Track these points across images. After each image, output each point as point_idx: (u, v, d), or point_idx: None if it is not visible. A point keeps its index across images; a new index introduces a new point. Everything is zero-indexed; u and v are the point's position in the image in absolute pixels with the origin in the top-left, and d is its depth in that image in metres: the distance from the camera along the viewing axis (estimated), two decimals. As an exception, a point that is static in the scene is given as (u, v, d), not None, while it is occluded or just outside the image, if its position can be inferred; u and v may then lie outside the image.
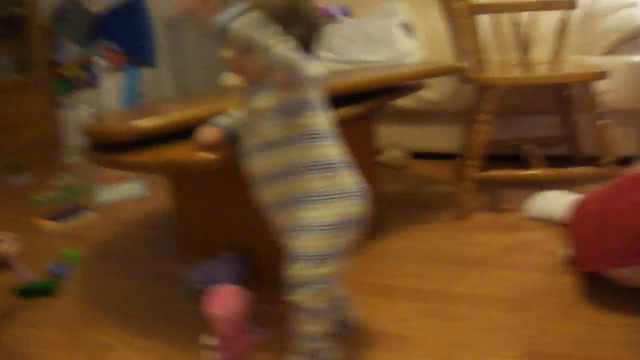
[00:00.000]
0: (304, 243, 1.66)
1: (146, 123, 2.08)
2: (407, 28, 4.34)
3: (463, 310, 2.11)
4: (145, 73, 6.01)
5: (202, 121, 1.97)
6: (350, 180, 1.73)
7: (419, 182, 3.66)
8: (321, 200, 1.66)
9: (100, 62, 5.76)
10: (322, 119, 1.71)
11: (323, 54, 4.30)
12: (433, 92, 3.73)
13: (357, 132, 2.61)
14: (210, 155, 1.87)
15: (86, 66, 5.81)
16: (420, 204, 3.22)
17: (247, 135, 1.77)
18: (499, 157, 3.42)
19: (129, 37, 5.91)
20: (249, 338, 2.01)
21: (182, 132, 2.05)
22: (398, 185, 3.61)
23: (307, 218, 1.67)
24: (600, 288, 2.12)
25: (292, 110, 1.65)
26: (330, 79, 2.94)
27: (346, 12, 4.72)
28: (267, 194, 1.75)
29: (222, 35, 1.53)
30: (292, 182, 1.68)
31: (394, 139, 4.01)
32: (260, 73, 1.66)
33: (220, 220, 2.47)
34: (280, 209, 1.74)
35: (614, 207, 2.04)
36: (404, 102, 3.82)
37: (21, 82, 5.70)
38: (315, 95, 1.69)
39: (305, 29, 1.65)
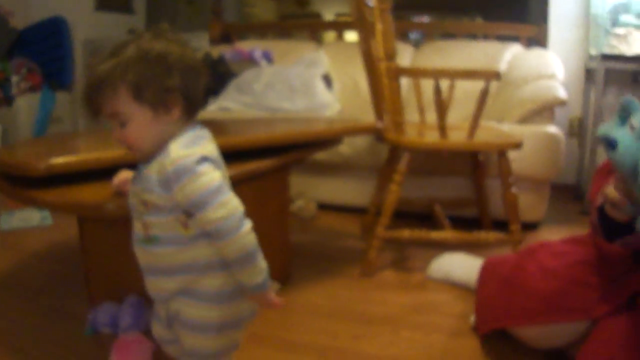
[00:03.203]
0: (191, 341, 1.51)
1: (63, 160, 2.03)
2: (328, 79, 4.38)
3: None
4: (60, 95, 5.94)
5: (118, 164, 1.92)
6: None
7: (327, 234, 3.67)
8: (213, 299, 1.48)
9: (17, 79, 5.66)
10: (221, 210, 1.40)
11: (242, 98, 4.32)
12: (347, 147, 3.75)
13: (272, 183, 2.64)
14: (121, 201, 1.77)
15: (1, 82, 5.69)
16: (328, 257, 3.23)
17: (132, 218, 1.54)
18: (407, 215, 3.48)
19: (48, 57, 5.84)
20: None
21: (96, 172, 2.03)
22: (306, 236, 3.61)
23: (197, 317, 1.48)
24: (503, 351, 2.17)
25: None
26: (251, 128, 2.96)
27: (269, 58, 4.75)
28: (150, 283, 1.55)
29: None
30: (183, 279, 1.47)
31: (304, 189, 4.02)
32: (146, 145, 1.44)
33: (127, 262, 2.42)
34: (165, 301, 1.53)
35: (523, 269, 2.11)
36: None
37: None
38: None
39: (182, 72, 1.41)
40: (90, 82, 1.39)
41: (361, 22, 3.01)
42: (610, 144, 1.49)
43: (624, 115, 1.51)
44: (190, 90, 1.43)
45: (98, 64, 1.38)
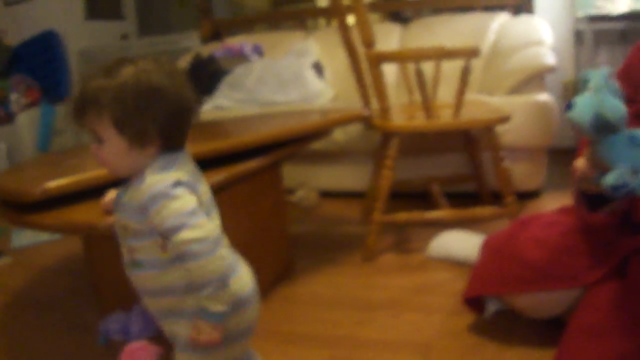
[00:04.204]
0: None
1: (56, 184, 2.08)
2: (318, 68, 4.40)
3: (370, 356, 2.16)
4: (60, 108, 5.97)
5: (111, 182, 1.97)
6: (237, 286, 1.49)
7: (328, 222, 3.71)
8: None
9: (16, 96, 5.70)
10: (198, 231, 1.38)
11: (235, 94, 4.35)
12: (340, 134, 3.77)
13: (265, 179, 2.68)
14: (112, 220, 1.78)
15: (1, 101, 5.73)
16: (329, 245, 3.27)
17: (119, 243, 1.57)
18: (406, 196, 3.51)
19: (44, 71, 5.87)
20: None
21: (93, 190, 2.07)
22: (308, 226, 3.65)
23: (184, 335, 1.48)
24: (503, 326, 2.21)
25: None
26: (241, 128, 3.00)
27: (259, 52, 4.76)
28: (145, 303, 1.57)
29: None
30: (169, 300, 1.49)
31: (304, 178, 4.05)
32: (118, 169, 1.47)
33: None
34: (160, 320, 1.55)
35: (514, 239, 2.13)
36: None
37: None
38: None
39: (168, 114, 1.40)
40: (78, 97, 1.40)
41: (337, 10, 3.04)
42: (568, 106, 1.51)
43: (584, 86, 1.53)
44: (172, 131, 1.44)
45: (90, 79, 1.39)
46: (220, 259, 1.38)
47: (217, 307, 1.38)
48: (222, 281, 1.38)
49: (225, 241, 1.51)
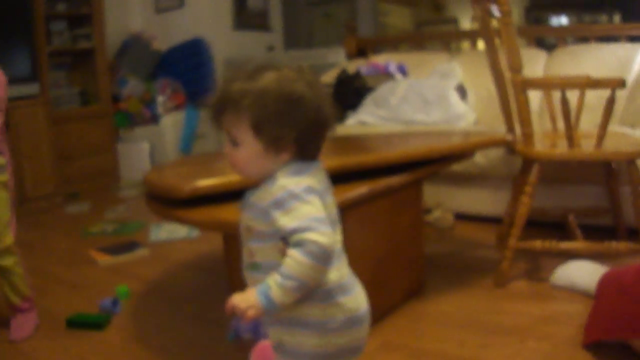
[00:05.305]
0: None
1: (206, 183, 2.20)
2: (462, 90, 4.41)
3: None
4: (204, 112, 6.16)
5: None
6: (352, 305, 1.50)
7: (462, 244, 3.71)
8: (314, 329, 1.47)
9: (162, 99, 5.93)
10: (325, 238, 1.37)
11: (378, 111, 4.40)
12: (482, 158, 3.78)
13: (405, 196, 2.73)
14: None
15: (147, 102, 5.97)
16: (462, 267, 3.29)
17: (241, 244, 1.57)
18: (540, 224, 3.49)
19: (190, 77, 6.08)
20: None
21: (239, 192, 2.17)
22: (442, 246, 3.67)
23: (298, 346, 1.49)
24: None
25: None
26: (384, 144, 3.05)
27: (403, 71, 4.81)
28: None
29: None
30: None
31: (441, 199, 4.06)
32: (249, 172, 1.50)
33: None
34: (270, 326, 1.54)
35: None
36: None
37: (85, 113, 5.89)
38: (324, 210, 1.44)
39: (306, 124, 1.43)
40: (219, 98, 1.45)
41: (486, 33, 3.06)
42: None
43: None
44: (308, 141, 1.46)
45: (233, 81, 1.44)
46: (322, 273, 1.39)
47: (280, 298, 1.37)
48: (305, 287, 1.38)
49: (344, 259, 1.55)
